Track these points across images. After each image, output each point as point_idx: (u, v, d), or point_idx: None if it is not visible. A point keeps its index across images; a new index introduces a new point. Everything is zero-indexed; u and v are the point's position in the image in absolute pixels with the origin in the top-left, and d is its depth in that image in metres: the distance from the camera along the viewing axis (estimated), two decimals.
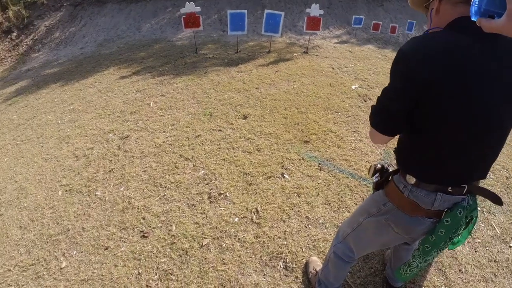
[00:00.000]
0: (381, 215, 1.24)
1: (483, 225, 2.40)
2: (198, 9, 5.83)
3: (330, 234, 2.17)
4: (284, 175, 2.65)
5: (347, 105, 4.03)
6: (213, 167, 2.81)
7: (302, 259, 1.98)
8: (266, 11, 6.14)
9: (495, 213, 2.52)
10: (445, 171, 1.11)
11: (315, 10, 6.23)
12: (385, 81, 5.32)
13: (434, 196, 1.11)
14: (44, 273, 2.20)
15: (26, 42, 9.48)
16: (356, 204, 2.40)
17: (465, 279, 1.98)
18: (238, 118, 3.56)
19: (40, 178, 3.18)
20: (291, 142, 3.08)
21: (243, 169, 2.74)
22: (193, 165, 2.87)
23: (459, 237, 1.22)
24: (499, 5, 0.67)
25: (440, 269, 2.01)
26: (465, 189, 1.11)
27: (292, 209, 2.33)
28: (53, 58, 8.19)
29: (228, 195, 2.50)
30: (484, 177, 1.15)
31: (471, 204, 1.13)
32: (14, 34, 9.81)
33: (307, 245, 2.07)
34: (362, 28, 10.24)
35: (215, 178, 2.68)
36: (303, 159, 2.84)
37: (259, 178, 2.63)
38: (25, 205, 2.86)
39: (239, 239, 2.15)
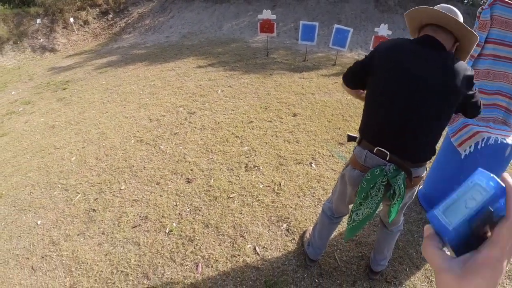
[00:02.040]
0: (343, 172, 1.70)
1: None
2: (274, 16, 6.61)
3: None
4: (312, 164, 3.15)
5: None
6: (255, 146, 3.43)
7: (303, 228, 2.46)
8: (335, 25, 6.67)
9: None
10: (372, 133, 1.52)
11: (383, 30, 6.55)
12: None
13: (364, 153, 1.53)
14: (106, 190, 3.02)
15: (119, 24, 11.34)
16: None
17: None
18: (288, 115, 4.15)
19: (119, 128, 4.11)
20: (327, 141, 3.56)
21: (279, 152, 3.31)
22: (240, 142, 3.53)
23: (391, 209, 1.52)
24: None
25: (427, 277, 2.22)
26: (388, 156, 1.46)
27: (309, 190, 2.82)
28: (141, 41, 9.70)
29: (261, 168, 3.10)
30: (408, 157, 1.46)
31: (391, 172, 1.45)
32: (110, 16, 11.82)
33: (311, 219, 2.54)
34: None
35: (255, 154, 3.30)
36: (332, 156, 3.30)
37: (290, 162, 3.17)
38: (103, 144, 3.78)
39: (258, 199, 2.72)
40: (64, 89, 6.23)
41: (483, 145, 2.42)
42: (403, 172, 1.45)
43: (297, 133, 3.70)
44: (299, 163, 3.17)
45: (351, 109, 4.61)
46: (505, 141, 2.39)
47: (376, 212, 1.56)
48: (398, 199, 1.47)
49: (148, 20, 11.15)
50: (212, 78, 5.65)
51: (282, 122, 3.96)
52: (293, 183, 2.90)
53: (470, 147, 2.50)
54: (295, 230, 2.44)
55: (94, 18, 11.73)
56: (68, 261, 2.42)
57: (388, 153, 1.46)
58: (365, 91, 1.61)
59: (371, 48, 6.76)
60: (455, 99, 1.40)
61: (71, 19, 10.44)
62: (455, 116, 2.64)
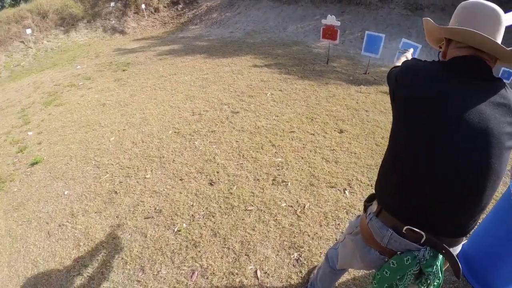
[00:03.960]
0: (353, 236, 1.34)
1: None
2: (338, 23, 6.41)
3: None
4: (346, 191, 2.95)
5: None
6: (290, 159, 3.32)
7: (315, 262, 2.29)
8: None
9: None
10: (402, 203, 1.12)
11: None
12: None
13: (386, 232, 1.14)
14: (132, 175, 3.14)
15: (188, 15, 12.01)
16: None
17: None
18: (334, 130, 3.97)
19: (161, 117, 4.26)
20: (369, 167, 3.32)
21: (314, 171, 3.15)
22: (275, 152, 3.44)
23: None
24: None
25: None
26: (424, 239, 1.08)
27: (334, 220, 2.64)
28: (205, 33, 10.06)
29: (289, 185, 2.98)
30: (454, 234, 1.12)
31: (427, 258, 1.09)
32: (180, 6, 12.58)
33: (325, 252, 2.38)
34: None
35: (286, 168, 3.19)
36: (371, 185, 3.07)
37: (322, 184, 3.01)
38: (143, 130, 3.94)
39: (276, 219, 2.61)
40: (123, 70, 6.66)
41: None
42: (442, 256, 1.10)
43: (338, 152, 3.51)
44: (332, 187, 2.99)
45: None
46: None
47: None
48: (435, 285, 1.13)
49: (215, 14, 11.55)
50: (265, 79, 5.63)
51: (326, 137, 3.79)
52: (318, 209, 2.74)
53: None
54: (305, 262, 2.29)
55: (165, 7, 12.53)
56: (79, 235, 2.57)
57: (424, 234, 1.08)
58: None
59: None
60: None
61: (143, 5, 11.28)
62: None
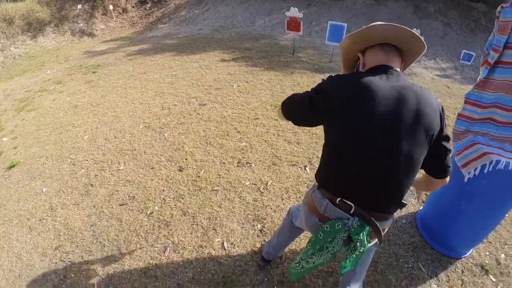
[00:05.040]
0: (303, 204, 1.54)
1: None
2: (301, 15, 6.66)
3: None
4: (306, 168, 3.23)
5: None
6: (253, 143, 3.57)
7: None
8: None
9: None
10: (336, 183, 1.34)
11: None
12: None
13: (325, 203, 1.34)
14: (107, 168, 3.32)
15: (156, 14, 12.08)
16: None
17: None
18: None
19: (132, 113, 4.43)
20: None
21: (276, 152, 3.42)
22: (240, 137, 3.68)
23: (347, 261, 1.33)
24: None
25: None
26: (353, 209, 1.28)
27: (295, 194, 2.91)
28: (174, 31, 10.16)
29: (253, 165, 3.23)
30: (379, 209, 1.31)
31: (355, 227, 1.27)
32: (148, 5, 12.63)
33: None
34: (471, 66, 9.77)
35: (251, 151, 3.44)
36: None
37: (284, 163, 3.27)
38: (115, 127, 4.10)
39: (241, 196, 2.86)
40: (94, 72, 6.73)
41: (490, 169, 2.13)
42: (368, 227, 1.30)
43: (300, 134, 3.78)
44: (293, 165, 3.26)
45: None
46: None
47: (327, 263, 1.49)
48: (358, 253, 1.32)
49: (184, 11, 11.66)
50: (232, 72, 5.84)
51: (289, 122, 4.06)
52: (280, 185, 3.01)
53: (475, 170, 2.23)
54: (268, 232, 2.54)
55: (133, 7, 12.49)
56: (59, 226, 2.74)
57: (353, 205, 1.29)
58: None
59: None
60: (430, 132, 1.28)
61: (111, 6, 11.21)
62: (463, 132, 2.44)
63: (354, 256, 1.31)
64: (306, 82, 5.45)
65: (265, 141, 3.62)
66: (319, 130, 3.92)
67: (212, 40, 8.55)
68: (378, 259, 2.43)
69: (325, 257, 1.37)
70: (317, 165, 3.27)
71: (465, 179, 2.23)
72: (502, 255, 2.85)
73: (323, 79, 1.36)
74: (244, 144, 3.57)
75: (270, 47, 7.75)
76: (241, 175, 3.11)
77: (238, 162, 3.28)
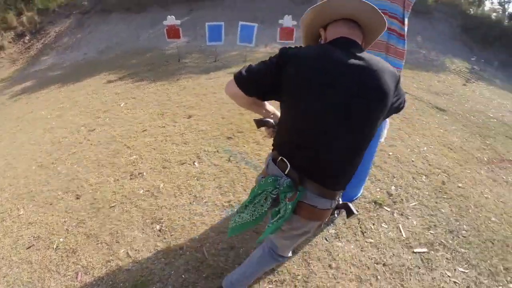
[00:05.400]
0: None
1: (385, 226, 2.86)
2: (178, 22, 6.96)
3: (208, 211, 2.93)
4: (195, 163, 3.57)
5: None
6: (143, 153, 3.82)
7: (175, 226, 2.79)
8: (240, 23, 7.12)
9: (408, 216, 3.03)
10: (281, 143, 1.44)
11: (287, 21, 6.86)
12: None
13: (268, 161, 1.45)
14: (7, 218, 3.31)
15: (37, 46, 11.18)
16: (245, 190, 3.19)
17: (332, 275, 2.36)
18: (183, 117, 4.58)
19: (23, 157, 4.36)
20: (215, 138, 4.01)
21: (165, 156, 3.72)
22: (130, 152, 3.90)
23: (268, 226, 1.39)
24: None
25: (305, 259, 2.44)
26: (288, 169, 1.32)
27: (187, 188, 3.22)
28: (59, 61, 9.71)
29: (145, 174, 3.48)
30: (312, 177, 1.31)
31: (284, 186, 1.31)
32: (27, 38, 11.59)
33: (184, 217, 2.90)
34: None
35: (141, 162, 3.68)
36: (218, 151, 3.75)
37: (174, 164, 3.59)
38: (8, 175, 4.03)
39: (136, 205, 3.09)
40: None
41: None
42: (298, 193, 1.31)
43: (187, 134, 4.15)
44: (183, 164, 3.59)
45: None
46: None
47: (256, 224, 1.51)
48: (279, 220, 1.34)
49: (66, 38, 11.07)
50: (119, 91, 5.92)
51: (175, 125, 4.39)
52: (172, 184, 3.30)
53: None
54: (166, 230, 2.78)
55: (10, 42, 11.42)
56: None
57: (289, 165, 1.33)
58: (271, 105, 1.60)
59: (278, 40, 7.20)
60: (387, 103, 1.29)
61: None
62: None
63: (275, 222, 1.35)
64: (191, 85, 5.82)
65: (154, 148, 3.89)
66: (205, 126, 4.34)
67: (98, 63, 8.40)
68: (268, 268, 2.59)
69: (252, 213, 1.43)
70: (205, 158, 3.69)
71: None
72: (393, 187, 3.40)
73: (280, 49, 1.33)
74: (134, 157, 3.79)
75: (156, 59, 7.91)
76: (135, 186, 3.34)
77: (131, 175, 3.50)
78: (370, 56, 1.29)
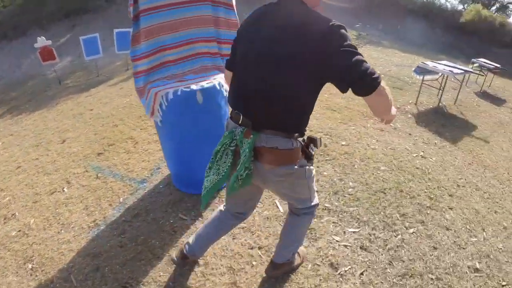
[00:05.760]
0: None
1: (260, 205, 2.78)
2: (49, 42, 6.61)
3: (75, 236, 2.80)
4: (64, 189, 3.44)
5: None
6: (16, 192, 3.58)
7: (45, 261, 2.66)
8: (115, 30, 6.87)
9: None
10: (232, 99, 1.54)
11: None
12: None
13: (227, 120, 1.57)
14: None
15: None
16: (111, 205, 3.05)
17: (201, 272, 2.25)
18: (57, 143, 4.38)
19: None
20: (85, 157, 3.90)
21: (36, 190, 3.53)
22: (4, 194, 3.61)
23: (238, 173, 1.42)
24: None
25: (171, 261, 2.32)
26: (241, 119, 1.42)
27: (55, 217, 3.10)
28: None
29: (17, 214, 3.27)
30: (257, 119, 1.39)
31: (239, 134, 1.42)
32: None
33: (53, 248, 2.77)
34: None
35: (14, 202, 3.44)
36: (87, 171, 3.67)
37: (44, 195, 3.41)
38: None
39: (9, 249, 2.88)
40: None
41: (166, 104, 2.32)
42: (252, 137, 1.38)
43: (59, 161, 3.95)
44: (52, 193, 3.43)
45: (125, 111, 5.07)
46: (188, 89, 2.27)
47: (223, 182, 1.56)
48: (241, 166, 1.41)
49: None
50: None
51: (48, 154, 4.18)
52: (41, 218, 3.15)
53: (159, 112, 2.40)
54: (37, 266, 2.62)
55: None
56: None
57: (241, 115, 1.43)
58: None
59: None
60: (306, 55, 1.27)
61: None
62: (144, 87, 2.51)
63: (238, 168, 1.42)
64: (70, 106, 5.58)
65: (26, 184, 3.68)
66: (78, 147, 4.26)
67: None
68: (143, 233, 2.64)
69: (218, 171, 1.51)
70: (74, 181, 3.53)
71: (159, 124, 2.49)
72: None
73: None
74: (8, 198, 3.54)
75: (38, 86, 7.40)
76: (8, 229, 3.11)
77: (4, 219, 3.25)
78: (299, 13, 1.31)
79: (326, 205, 2.86)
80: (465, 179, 3.70)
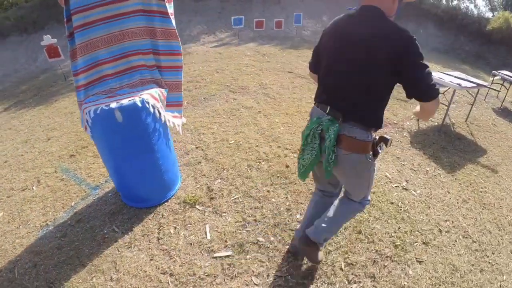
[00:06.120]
0: None
1: (189, 229, 2.72)
2: (55, 40, 6.96)
3: (28, 233, 2.95)
4: (33, 187, 3.64)
5: None
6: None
7: (1, 252, 2.71)
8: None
9: (223, 213, 2.92)
10: (319, 93, 1.87)
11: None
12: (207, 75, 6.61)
13: (313, 107, 1.91)
14: None
15: None
16: (63, 208, 3.20)
17: None
18: (43, 141, 4.66)
19: None
20: (59, 158, 4.14)
21: (12, 185, 3.72)
22: None
23: (328, 157, 1.72)
24: None
25: (91, 273, 2.39)
26: (328, 109, 1.74)
27: (19, 213, 3.16)
28: None
29: None
30: (341, 112, 1.69)
31: (325, 121, 1.72)
32: None
33: (9, 241, 2.87)
34: (246, 28, 11.34)
35: None
36: (56, 171, 3.90)
37: (17, 191, 3.59)
38: None
39: None
40: None
41: (90, 120, 2.35)
42: (337, 125, 1.68)
43: (38, 159, 4.20)
44: (24, 190, 3.60)
45: None
46: (107, 108, 2.24)
47: (318, 160, 1.86)
48: (328, 150, 1.71)
49: None
50: None
51: (32, 151, 4.43)
52: (9, 212, 3.27)
53: (86, 130, 2.49)
54: None
55: None
56: None
57: (328, 106, 1.75)
58: None
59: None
60: (381, 61, 1.53)
61: None
62: (84, 100, 2.56)
63: (327, 152, 1.71)
64: (66, 104, 5.90)
65: (6, 179, 3.90)
66: (55, 147, 4.55)
67: None
68: (78, 239, 2.75)
69: (311, 154, 1.83)
70: (43, 181, 3.76)
71: (90, 134, 2.52)
72: (218, 181, 3.30)
73: None
74: None
75: (47, 81, 7.78)
76: None
77: None
78: (378, 23, 1.57)
79: (259, 238, 2.61)
80: (452, 222, 3.01)
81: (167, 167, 2.84)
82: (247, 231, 2.68)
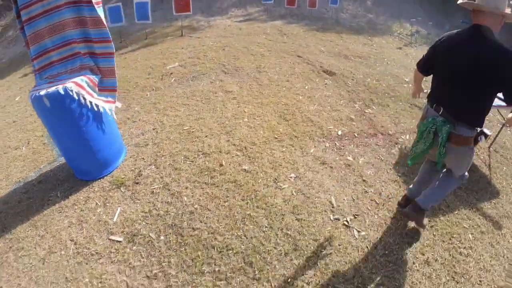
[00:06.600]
0: None
1: (104, 208, 2.86)
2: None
3: (6, 185, 3.39)
4: (23, 147, 4.13)
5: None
6: None
7: None
8: (135, 1, 7.38)
9: (137, 200, 3.03)
10: (433, 96, 2.22)
11: None
12: (209, 56, 6.83)
13: (427, 108, 2.29)
14: None
15: None
16: (34, 169, 3.62)
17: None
18: None
19: None
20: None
21: (11, 143, 4.31)
22: None
23: (438, 156, 2.17)
24: None
25: None
26: (441, 111, 2.11)
27: (6, 169, 3.72)
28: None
29: None
30: (453, 115, 2.07)
31: (439, 121, 2.10)
32: None
33: None
34: (276, 3, 10.92)
35: None
36: (42, 135, 4.44)
37: (11, 149, 4.10)
38: None
39: None
40: None
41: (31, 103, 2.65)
42: (448, 126, 2.06)
43: (37, 121, 4.84)
44: (16, 148, 4.24)
45: None
46: (37, 94, 2.52)
47: (428, 151, 2.32)
48: (440, 145, 2.11)
49: (11, 31, 11.19)
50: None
51: (35, 116, 5.11)
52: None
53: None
54: None
55: None
56: None
57: (442, 108, 2.12)
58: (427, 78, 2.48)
59: (174, 13, 7.77)
60: (483, 72, 1.88)
61: None
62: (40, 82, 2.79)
63: (440, 147, 2.12)
64: None
65: (8, 137, 4.73)
66: None
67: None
68: (33, 197, 3.09)
69: (424, 144, 2.24)
70: (32, 143, 4.34)
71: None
72: (152, 167, 3.38)
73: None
74: None
75: None
76: None
77: None
78: (487, 44, 1.91)
79: (151, 234, 2.69)
80: None
81: (99, 147, 3.09)
82: (146, 223, 2.76)
